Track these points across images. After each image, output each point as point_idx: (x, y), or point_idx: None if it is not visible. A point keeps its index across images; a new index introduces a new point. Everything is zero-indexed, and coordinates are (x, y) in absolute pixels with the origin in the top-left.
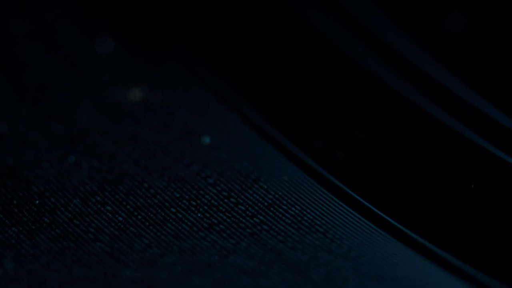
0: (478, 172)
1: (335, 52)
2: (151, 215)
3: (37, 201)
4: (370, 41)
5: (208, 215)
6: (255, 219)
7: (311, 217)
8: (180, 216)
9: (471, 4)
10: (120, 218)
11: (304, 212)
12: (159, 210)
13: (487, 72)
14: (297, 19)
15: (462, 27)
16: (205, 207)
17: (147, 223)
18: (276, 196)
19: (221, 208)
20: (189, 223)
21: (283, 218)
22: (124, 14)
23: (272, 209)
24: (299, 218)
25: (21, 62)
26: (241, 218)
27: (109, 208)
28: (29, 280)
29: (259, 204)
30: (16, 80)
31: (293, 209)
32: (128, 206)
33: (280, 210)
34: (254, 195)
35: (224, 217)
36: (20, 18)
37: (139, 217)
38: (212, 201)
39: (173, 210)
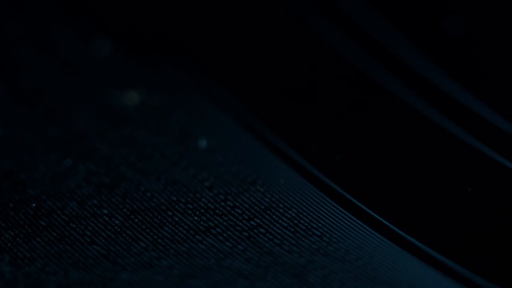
0: (475, 175)
1: (332, 54)
2: (148, 218)
3: (34, 204)
4: (368, 44)
5: (204, 218)
6: (251, 222)
7: (307, 220)
8: (176, 219)
9: (470, 7)
10: (117, 221)
11: (301, 215)
12: (156, 213)
13: (486, 75)
14: (294, 22)
15: (461, 30)
16: (202, 210)
17: (143, 226)
18: (273, 199)
19: (217, 211)
20: (185, 226)
21: (280, 221)
22: (121, 17)
23: (268, 212)
24: (295, 221)
25: (17, 65)
26: (237, 221)
27: (105, 211)
28: (26, 283)
29: (255, 207)
30: (12, 83)
31: (289, 212)
32: (124, 209)
33: (277, 213)
34: (251, 198)
35: (221, 220)
36: (16, 21)
37: (136, 220)
38: (209, 204)
39: (170, 213)
